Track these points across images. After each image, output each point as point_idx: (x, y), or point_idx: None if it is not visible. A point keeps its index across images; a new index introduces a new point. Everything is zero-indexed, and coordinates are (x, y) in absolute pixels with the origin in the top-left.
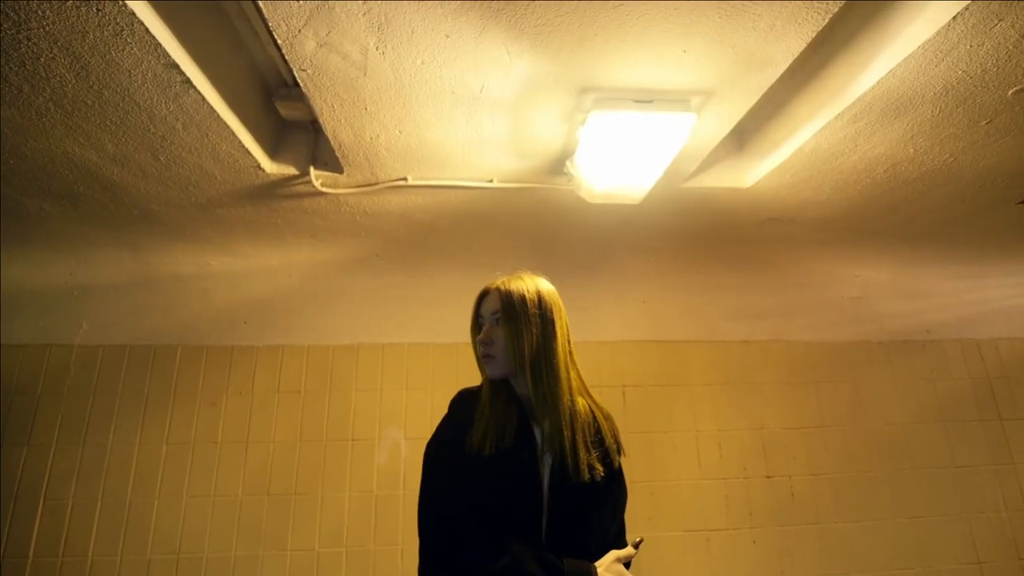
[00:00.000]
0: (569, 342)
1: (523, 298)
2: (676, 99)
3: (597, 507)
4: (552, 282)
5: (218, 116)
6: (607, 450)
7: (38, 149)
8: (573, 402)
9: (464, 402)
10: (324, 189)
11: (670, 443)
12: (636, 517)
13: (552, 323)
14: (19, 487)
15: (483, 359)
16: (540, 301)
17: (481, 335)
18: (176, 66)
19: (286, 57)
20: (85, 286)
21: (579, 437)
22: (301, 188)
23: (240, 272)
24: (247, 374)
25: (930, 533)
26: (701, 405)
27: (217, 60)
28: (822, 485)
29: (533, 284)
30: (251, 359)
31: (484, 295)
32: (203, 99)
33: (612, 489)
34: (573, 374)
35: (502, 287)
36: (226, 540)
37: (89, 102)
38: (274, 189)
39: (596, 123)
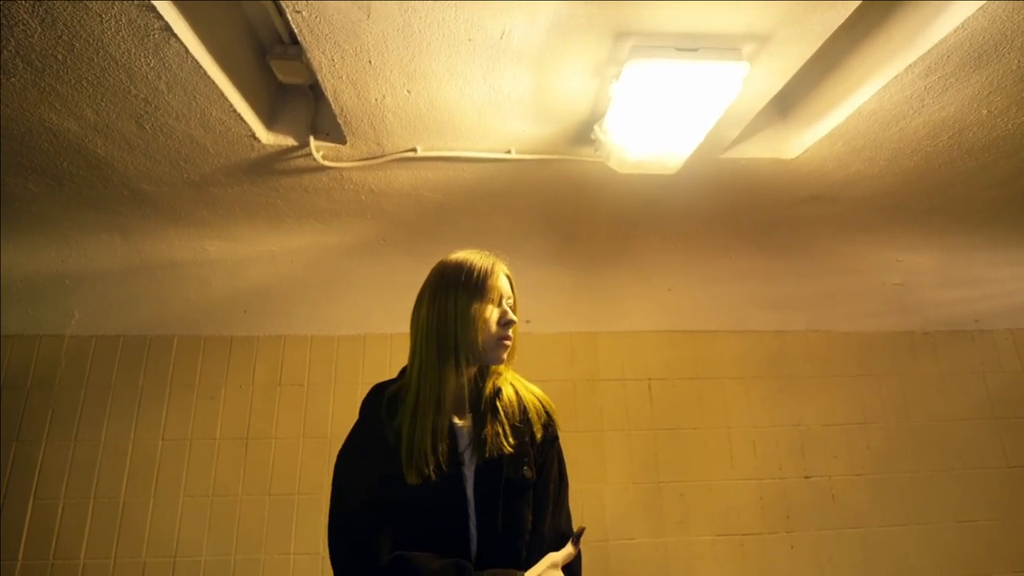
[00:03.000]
0: None
1: None
2: (726, 46)
3: (528, 505)
4: (572, 268)
5: (205, 73)
6: (525, 429)
7: (12, 117)
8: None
9: (384, 404)
10: (326, 163)
11: (700, 440)
12: (664, 520)
13: None
14: (7, 485)
15: (504, 343)
16: None
17: (512, 317)
18: (152, 8)
19: None
20: (76, 273)
21: (501, 424)
22: (301, 162)
23: (239, 258)
24: (247, 366)
25: (982, 538)
26: (733, 400)
27: (201, 6)
28: (865, 486)
29: None
30: (251, 350)
31: (494, 272)
32: (186, 51)
33: (543, 481)
34: None
35: (509, 274)
36: (225, 543)
37: (60, 56)
38: (271, 163)
39: (632, 76)
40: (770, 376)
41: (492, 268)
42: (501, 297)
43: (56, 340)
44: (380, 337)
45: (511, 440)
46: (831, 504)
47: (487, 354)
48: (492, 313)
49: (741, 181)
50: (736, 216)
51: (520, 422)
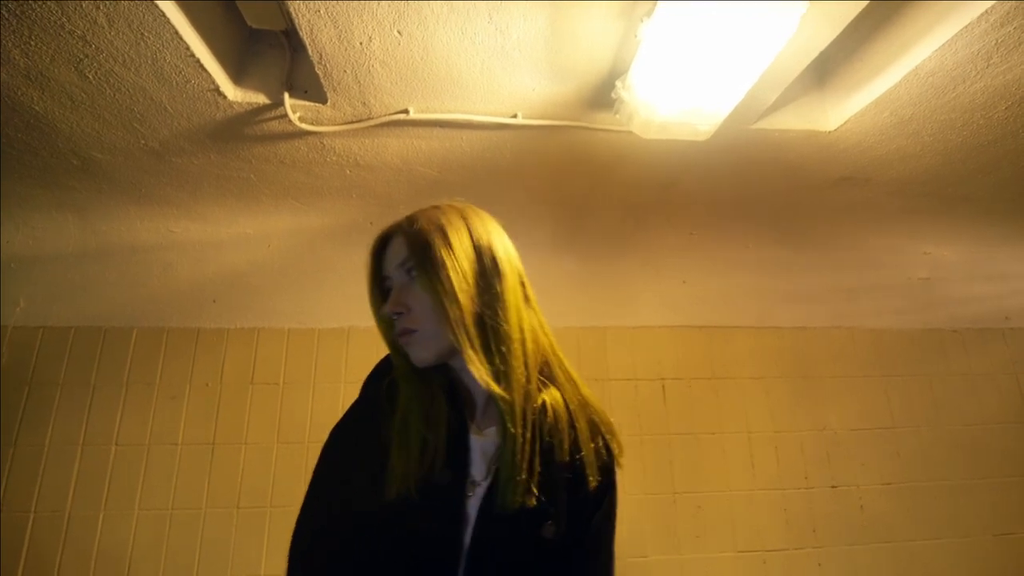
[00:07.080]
0: (524, 288)
1: (443, 229)
2: None
3: (551, 567)
4: (579, 256)
5: (152, 3)
6: (580, 467)
7: None
8: (529, 382)
9: (387, 387)
10: (303, 125)
11: (718, 447)
12: (680, 536)
13: (495, 260)
14: None
15: (400, 338)
16: (470, 230)
17: (389, 304)
18: None
19: None
20: (23, 256)
21: (531, 449)
22: (275, 125)
23: (208, 241)
24: (215, 362)
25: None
26: (753, 402)
27: None
28: (896, 496)
29: (454, 209)
30: (220, 344)
31: (384, 242)
32: None
33: (587, 549)
34: (531, 342)
35: (408, 224)
36: (186, 562)
37: None
38: (241, 127)
39: (668, 11)
40: (792, 376)
41: (373, 249)
42: (385, 279)
43: None
44: (366, 331)
45: (536, 489)
46: (860, 516)
47: (399, 360)
48: (379, 309)
49: (770, 157)
50: (758, 201)
51: (571, 456)
